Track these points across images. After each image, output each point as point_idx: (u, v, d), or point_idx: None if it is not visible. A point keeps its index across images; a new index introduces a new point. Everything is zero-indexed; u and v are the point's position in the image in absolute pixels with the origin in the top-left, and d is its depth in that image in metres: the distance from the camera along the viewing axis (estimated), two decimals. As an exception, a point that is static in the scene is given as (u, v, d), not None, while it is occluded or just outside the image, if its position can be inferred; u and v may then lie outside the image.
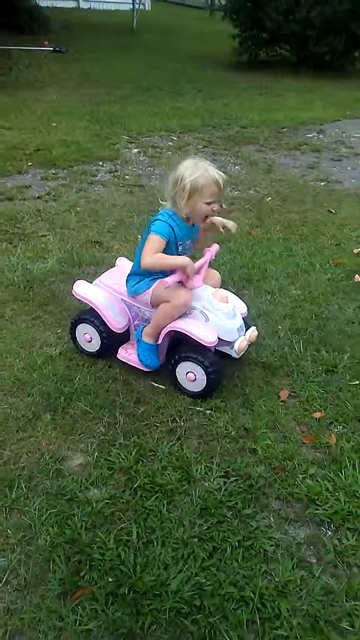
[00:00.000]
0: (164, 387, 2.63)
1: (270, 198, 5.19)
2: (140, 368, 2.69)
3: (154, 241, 2.44)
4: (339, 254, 4.08)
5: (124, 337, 2.78)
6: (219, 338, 2.53)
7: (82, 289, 2.79)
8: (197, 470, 2.19)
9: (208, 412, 2.51)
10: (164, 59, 12.89)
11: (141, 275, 2.62)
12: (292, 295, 3.50)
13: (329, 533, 1.99)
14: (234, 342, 2.59)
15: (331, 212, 4.94)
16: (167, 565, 1.83)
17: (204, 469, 2.20)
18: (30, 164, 5.67)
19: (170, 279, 2.45)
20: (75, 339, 2.82)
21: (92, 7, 20.44)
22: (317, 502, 2.09)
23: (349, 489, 2.14)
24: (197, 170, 2.39)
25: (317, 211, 4.94)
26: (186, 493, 2.10)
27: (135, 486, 2.10)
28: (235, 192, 5.30)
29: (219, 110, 8.62)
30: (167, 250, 2.48)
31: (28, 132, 6.71)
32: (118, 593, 1.75)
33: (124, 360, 2.73)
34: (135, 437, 2.34)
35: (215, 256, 2.76)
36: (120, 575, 1.79)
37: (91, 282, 2.85)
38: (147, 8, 21.66)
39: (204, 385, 2.53)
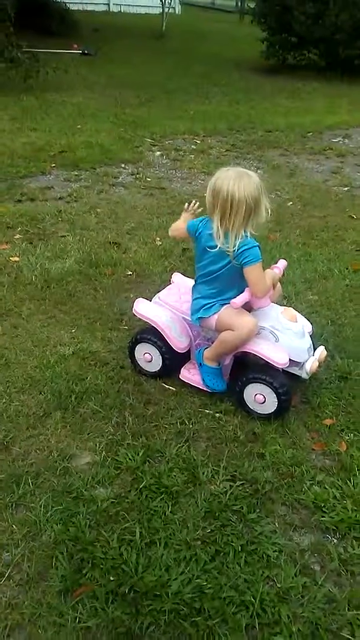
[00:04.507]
0: (174, 389, 2.64)
1: (291, 202, 5.16)
2: (205, 389, 2.61)
3: (259, 268, 2.36)
4: (359, 260, 4.03)
5: (184, 357, 2.71)
6: (289, 359, 2.45)
7: (144, 308, 2.70)
8: (203, 473, 2.19)
9: (217, 415, 2.50)
10: (191, 63, 12.92)
11: (211, 299, 2.51)
12: (308, 300, 3.48)
13: (334, 541, 1.98)
14: (304, 362, 2.52)
15: (353, 217, 4.89)
16: (169, 567, 1.83)
17: (211, 472, 2.20)
18: (53, 165, 5.73)
19: (238, 300, 2.37)
20: (134, 358, 2.74)
21: (122, 11, 20.58)
22: (323, 509, 2.07)
23: (356, 497, 2.11)
24: (250, 184, 2.29)
25: (339, 216, 4.89)
26: (191, 495, 2.10)
27: (141, 487, 2.11)
28: (257, 196, 5.27)
29: (244, 113, 8.61)
30: None
31: (53, 134, 6.79)
32: (119, 592, 1.76)
33: (187, 381, 2.65)
34: (144, 437, 2.35)
35: (284, 273, 2.73)
36: (122, 575, 1.80)
37: (150, 300, 2.78)
38: (177, 12, 21.74)
39: (275, 408, 2.45)
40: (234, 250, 2.32)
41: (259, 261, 2.35)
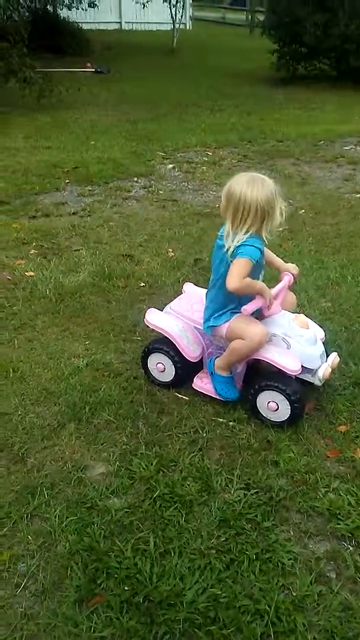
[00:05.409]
0: (187, 398, 2.65)
1: (303, 211, 5.16)
2: (218, 398, 2.61)
3: (244, 265, 2.32)
4: (372, 266, 4.02)
5: (197, 366, 2.71)
6: (302, 366, 2.45)
7: (155, 318, 2.71)
8: (217, 481, 2.19)
9: (231, 423, 2.50)
10: (202, 77, 13.02)
11: (223, 308, 2.52)
12: (321, 307, 3.47)
13: (350, 548, 1.96)
14: (316, 369, 2.52)
15: (365, 224, 4.87)
16: (183, 576, 1.83)
17: (225, 480, 2.20)
18: (67, 181, 5.82)
19: (249, 307, 2.39)
20: (147, 369, 2.75)
21: (134, 28, 20.86)
22: (338, 517, 2.06)
23: (372, 503, 2.09)
24: (263, 188, 2.30)
25: (351, 223, 4.88)
26: (205, 504, 2.10)
27: (154, 496, 2.11)
28: (269, 206, 5.28)
29: (255, 125, 8.64)
30: (252, 272, 2.39)
31: (67, 150, 6.89)
32: (133, 602, 1.76)
33: (200, 390, 2.65)
34: (157, 447, 2.36)
35: (296, 281, 2.73)
36: (136, 584, 1.81)
37: (161, 310, 2.80)
38: (188, 27, 21.96)
39: (288, 415, 2.44)
40: (235, 247, 2.33)
41: (247, 257, 2.32)
